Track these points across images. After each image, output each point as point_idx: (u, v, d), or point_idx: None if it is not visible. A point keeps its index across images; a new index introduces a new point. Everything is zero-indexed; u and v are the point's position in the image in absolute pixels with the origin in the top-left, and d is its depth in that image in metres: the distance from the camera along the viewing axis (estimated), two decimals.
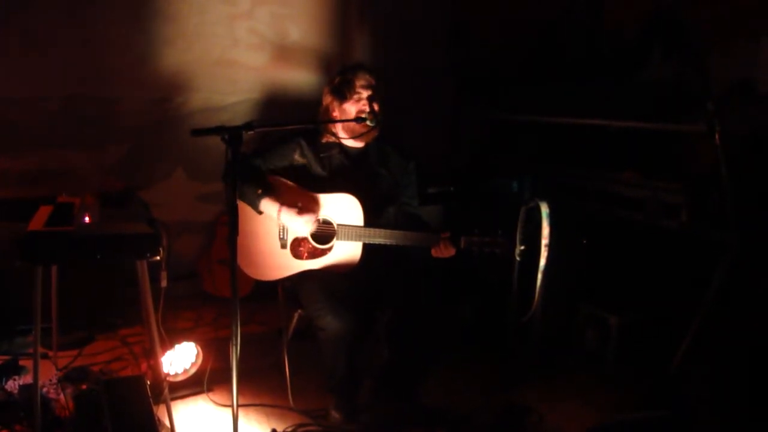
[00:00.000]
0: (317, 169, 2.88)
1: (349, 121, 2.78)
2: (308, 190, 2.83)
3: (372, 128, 2.76)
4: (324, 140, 2.90)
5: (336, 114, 2.87)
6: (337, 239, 2.80)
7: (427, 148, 4.46)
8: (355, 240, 2.78)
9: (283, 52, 4.40)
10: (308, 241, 2.82)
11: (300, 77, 4.46)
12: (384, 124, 2.90)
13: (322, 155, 2.89)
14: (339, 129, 2.88)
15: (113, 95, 3.97)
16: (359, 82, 2.84)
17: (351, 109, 2.83)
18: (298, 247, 2.85)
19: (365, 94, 2.83)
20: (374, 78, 2.86)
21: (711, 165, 3.01)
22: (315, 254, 2.84)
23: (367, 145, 2.94)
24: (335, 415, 2.79)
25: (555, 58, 4.46)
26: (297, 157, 2.90)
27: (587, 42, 4.30)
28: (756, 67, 3.42)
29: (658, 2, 3.88)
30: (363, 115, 2.74)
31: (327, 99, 2.91)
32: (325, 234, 2.82)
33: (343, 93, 2.85)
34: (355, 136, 2.83)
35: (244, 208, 2.84)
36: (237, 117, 4.28)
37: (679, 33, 3.76)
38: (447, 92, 4.95)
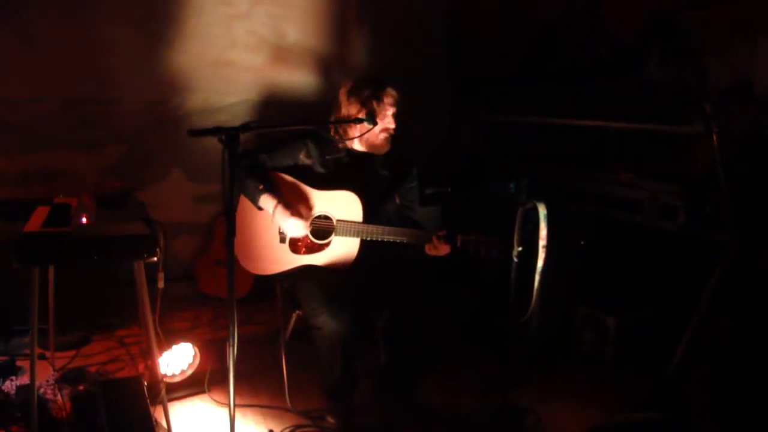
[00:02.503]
0: (320, 169, 2.89)
1: (348, 121, 2.78)
2: (310, 186, 2.84)
3: (370, 129, 2.75)
4: (339, 145, 2.90)
5: (358, 127, 2.84)
6: (336, 235, 2.80)
7: (425, 149, 4.47)
8: (353, 236, 2.79)
9: (280, 53, 4.40)
10: (307, 236, 2.82)
11: (298, 78, 4.46)
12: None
13: (327, 157, 2.90)
14: (355, 141, 2.89)
15: (111, 96, 3.96)
16: (388, 100, 2.83)
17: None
18: (296, 242, 2.86)
19: (391, 111, 2.84)
20: (399, 95, 2.86)
21: (708, 166, 3.02)
22: (313, 249, 2.84)
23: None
24: (332, 415, 2.79)
25: (553, 60, 4.47)
26: (302, 158, 2.90)
27: (585, 44, 4.30)
28: (753, 69, 3.42)
29: (657, 4, 3.89)
30: (361, 116, 2.74)
31: (352, 109, 2.84)
32: (323, 229, 2.82)
33: (372, 109, 2.81)
34: (371, 144, 2.86)
35: (244, 202, 2.86)
36: (235, 118, 4.27)
37: (676, 35, 3.77)
38: (445, 93, 4.95)
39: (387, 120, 2.83)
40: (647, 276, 3.50)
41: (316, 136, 2.92)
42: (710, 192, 3.07)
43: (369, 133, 2.79)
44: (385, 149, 2.91)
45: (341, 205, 2.80)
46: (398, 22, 4.71)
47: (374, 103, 2.81)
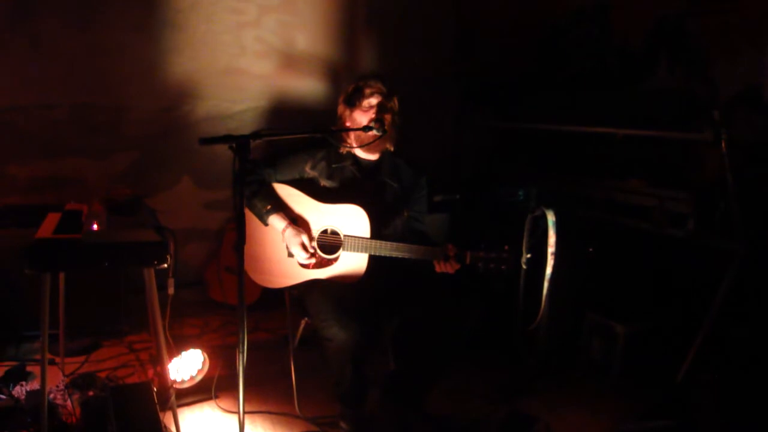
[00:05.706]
0: (327, 181, 2.89)
1: (356, 129, 2.78)
2: (316, 200, 2.84)
3: (379, 137, 2.75)
4: (341, 150, 2.90)
5: (348, 123, 2.87)
6: (344, 250, 2.80)
7: (433, 156, 4.48)
8: (361, 251, 2.78)
9: (289, 61, 4.42)
10: (315, 250, 2.83)
11: (307, 85, 4.48)
12: (397, 138, 2.91)
13: (334, 166, 2.89)
14: (352, 138, 2.88)
15: (121, 103, 3.99)
16: (369, 91, 2.83)
17: (361, 118, 2.82)
18: None
19: (375, 102, 2.83)
20: (386, 88, 2.86)
21: (717, 173, 3.02)
22: (321, 264, 2.84)
23: (380, 158, 2.94)
24: (344, 422, 2.79)
25: (561, 67, 4.47)
26: (308, 170, 2.90)
27: (594, 51, 4.31)
28: (762, 76, 3.42)
29: (665, 12, 3.89)
30: (370, 124, 2.74)
31: (340, 108, 2.92)
32: (331, 244, 2.82)
33: (353, 101, 2.86)
34: (363, 145, 2.83)
35: (252, 215, 2.86)
36: (244, 125, 4.30)
37: (685, 42, 3.77)
38: (453, 100, 4.96)
39: (371, 112, 2.81)
40: (656, 283, 3.49)
41: (324, 144, 2.92)
42: (719, 199, 3.06)
43: (358, 130, 2.77)
44: (379, 148, 2.88)
45: (348, 219, 2.80)
46: (406, 29, 4.73)
47: (355, 97, 2.85)
